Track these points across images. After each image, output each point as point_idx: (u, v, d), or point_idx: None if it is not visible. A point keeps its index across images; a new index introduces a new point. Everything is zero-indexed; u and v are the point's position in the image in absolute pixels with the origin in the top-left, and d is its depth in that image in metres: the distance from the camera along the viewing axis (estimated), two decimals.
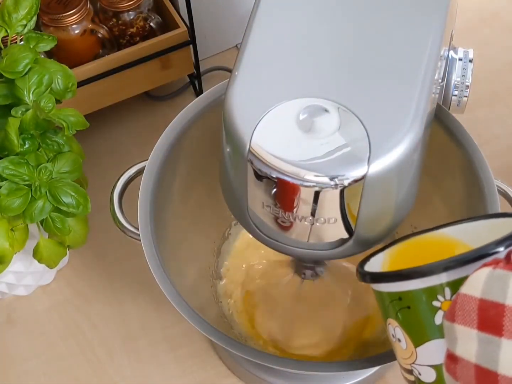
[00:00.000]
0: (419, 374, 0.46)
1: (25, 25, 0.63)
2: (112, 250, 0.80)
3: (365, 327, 0.71)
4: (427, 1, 0.51)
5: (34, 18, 0.64)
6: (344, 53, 0.48)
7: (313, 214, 0.47)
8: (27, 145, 0.61)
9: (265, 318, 0.72)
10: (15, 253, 0.65)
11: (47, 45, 0.65)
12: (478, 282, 0.39)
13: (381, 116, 0.45)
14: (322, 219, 0.47)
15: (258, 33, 0.49)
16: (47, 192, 0.62)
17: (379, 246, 0.52)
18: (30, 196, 0.61)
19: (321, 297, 0.71)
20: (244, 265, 0.75)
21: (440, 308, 0.43)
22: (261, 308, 0.72)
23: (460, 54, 0.60)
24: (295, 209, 0.47)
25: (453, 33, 0.59)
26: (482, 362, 0.39)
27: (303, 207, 0.46)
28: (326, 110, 0.46)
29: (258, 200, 0.48)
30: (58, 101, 0.64)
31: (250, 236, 0.53)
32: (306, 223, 0.48)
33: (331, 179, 0.44)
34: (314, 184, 0.44)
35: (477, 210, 0.59)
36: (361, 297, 0.71)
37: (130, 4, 0.79)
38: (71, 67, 0.66)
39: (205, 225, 0.72)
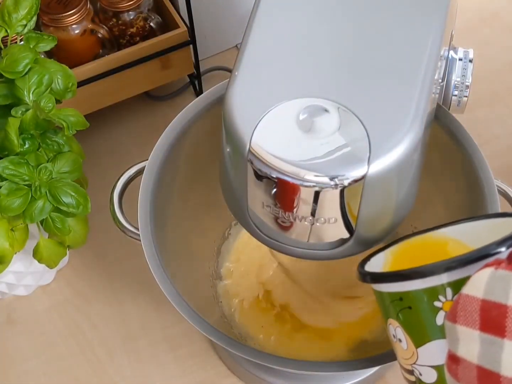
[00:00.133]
0: (420, 374, 0.46)
1: (25, 25, 0.63)
2: (112, 250, 0.80)
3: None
4: (427, 1, 0.51)
5: (34, 18, 0.64)
6: (344, 53, 0.48)
7: (313, 214, 0.47)
8: (27, 145, 0.61)
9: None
10: (15, 253, 0.65)
11: (47, 45, 0.65)
12: (480, 282, 0.39)
13: (381, 116, 0.45)
14: (322, 219, 0.47)
15: (258, 33, 0.49)
16: (47, 192, 0.62)
17: (379, 246, 0.52)
18: (30, 196, 0.61)
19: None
20: (249, 264, 0.75)
21: (441, 308, 0.43)
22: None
23: (460, 54, 0.60)
24: (295, 209, 0.47)
25: (453, 33, 0.59)
26: (484, 363, 0.39)
27: (303, 207, 0.46)
28: (326, 110, 0.46)
29: (258, 200, 0.48)
30: (58, 101, 0.64)
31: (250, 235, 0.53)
32: (306, 223, 0.48)
33: (331, 179, 0.44)
34: (314, 184, 0.44)
35: (477, 210, 0.59)
36: None
37: (130, 4, 0.79)
38: (71, 67, 0.66)
39: (205, 225, 0.72)
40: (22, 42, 0.65)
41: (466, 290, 0.40)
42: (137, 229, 0.60)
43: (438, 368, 0.44)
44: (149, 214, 0.61)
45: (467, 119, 0.63)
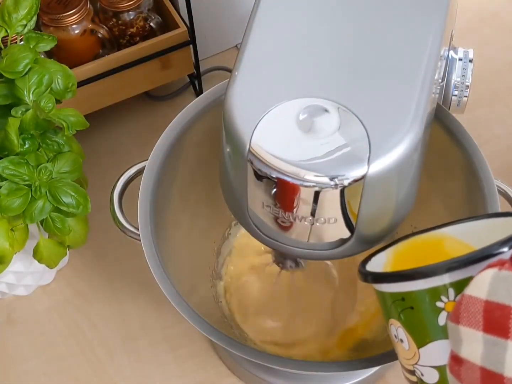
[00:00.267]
0: (422, 375, 0.46)
1: (25, 25, 0.63)
2: (112, 250, 0.80)
3: (357, 321, 0.71)
4: (427, 1, 0.51)
5: (34, 18, 0.64)
6: (344, 53, 0.48)
7: (313, 214, 0.47)
8: (27, 145, 0.61)
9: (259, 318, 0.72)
10: (15, 253, 0.65)
11: (47, 45, 0.65)
12: (484, 283, 0.39)
13: (381, 116, 0.45)
14: (322, 219, 0.47)
15: (258, 33, 0.49)
16: (47, 192, 0.62)
17: (380, 245, 0.52)
18: (30, 196, 0.61)
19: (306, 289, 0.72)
20: (244, 265, 0.75)
21: (443, 308, 0.43)
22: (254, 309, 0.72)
23: (460, 54, 0.60)
24: (295, 209, 0.47)
25: (453, 33, 0.59)
26: (487, 365, 0.39)
27: (303, 207, 0.46)
28: (326, 110, 0.46)
29: (258, 200, 0.48)
30: (58, 101, 0.64)
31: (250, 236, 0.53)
32: (306, 223, 0.48)
33: (331, 179, 0.44)
34: (314, 184, 0.44)
35: (477, 210, 0.59)
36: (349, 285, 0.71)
37: (130, 4, 0.79)
38: (71, 67, 0.66)
39: (205, 225, 0.72)
40: (22, 42, 0.65)
41: (469, 291, 0.40)
42: (137, 229, 0.60)
43: (440, 369, 0.44)
44: (149, 214, 0.61)
45: (467, 119, 0.63)
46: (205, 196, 0.68)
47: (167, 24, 0.82)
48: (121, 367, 0.74)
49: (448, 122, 0.61)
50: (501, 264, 0.39)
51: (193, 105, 0.64)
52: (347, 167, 0.44)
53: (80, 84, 0.75)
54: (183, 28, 0.80)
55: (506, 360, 0.38)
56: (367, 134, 0.44)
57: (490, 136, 0.87)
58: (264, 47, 0.49)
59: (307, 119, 0.45)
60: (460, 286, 0.42)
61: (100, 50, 0.81)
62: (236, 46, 0.95)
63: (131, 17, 0.80)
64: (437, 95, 0.55)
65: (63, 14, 0.75)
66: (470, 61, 0.60)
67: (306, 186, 0.45)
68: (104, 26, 0.80)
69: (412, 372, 0.46)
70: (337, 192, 0.45)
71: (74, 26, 0.77)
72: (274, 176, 0.45)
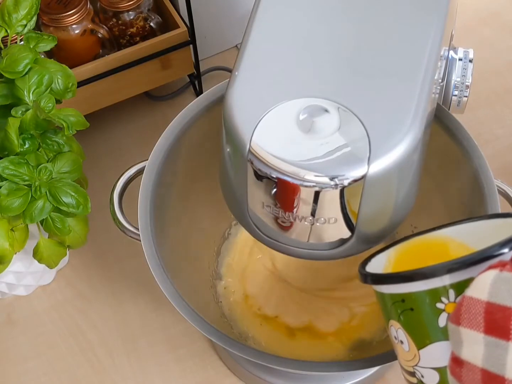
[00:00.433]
0: (422, 376, 0.45)
1: (25, 25, 0.63)
2: (112, 250, 0.80)
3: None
4: (427, 1, 0.51)
5: (34, 18, 0.64)
6: (344, 53, 0.48)
7: (313, 214, 0.47)
8: (27, 145, 0.61)
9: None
10: (15, 253, 0.65)
11: (47, 45, 0.65)
12: (485, 284, 0.39)
13: (381, 116, 0.45)
14: (322, 219, 0.47)
15: (258, 33, 0.49)
16: (47, 192, 0.62)
17: (380, 246, 0.52)
18: (30, 196, 0.61)
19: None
20: (244, 264, 0.75)
21: (444, 310, 0.43)
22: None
23: (460, 54, 0.60)
24: (295, 209, 0.47)
25: (453, 33, 0.59)
26: (489, 366, 0.39)
27: (303, 207, 0.46)
28: (326, 110, 0.46)
29: (258, 200, 0.48)
30: (58, 101, 0.64)
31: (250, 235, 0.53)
32: (306, 223, 0.48)
33: (331, 179, 0.44)
34: (314, 184, 0.44)
35: (477, 210, 0.59)
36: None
37: (130, 4, 0.79)
38: (71, 67, 0.66)
39: (205, 225, 0.72)
40: (22, 42, 0.65)
41: (470, 292, 0.40)
42: (137, 229, 0.60)
43: (440, 370, 0.44)
44: (149, 214, 0.61)
45: (467, 119, 0.63)
46: (205, 196, 0.68)
47: (167, 24, 0.82)
48: (121, 367, 0.74)
49: (448, 122, 0.61)
50: (502, 265, 0.39)
51: (193, 105, 0.64)
52: (347, 167, 0.44)
53: (80, 84, 0.75)
54: (183, 28, 0.80)
55: (508, 362, 0.38)
56: (367, 134, 0.44)
57: (490, 136, 0.87)
58: (264, 47, 0.49)
59: (307, 119, 0.45)
60: (460, 287, 0.41)
61: (100, 50, 0.81)
62: (236, 46, 0.95)
63: (131, 17, 0.80)
64: (437, 95, 0.55)
65: (63, 14, 0.75)
66: (470, 61, 0.60)
67: (306, 186, 0.45)
68: (104, 26, 0.80)
69: (412, 374, 0.46)
70: (337, 192, 0.45)
71: (74, 26, 0.77)
72: (274, 176, 0.45)
